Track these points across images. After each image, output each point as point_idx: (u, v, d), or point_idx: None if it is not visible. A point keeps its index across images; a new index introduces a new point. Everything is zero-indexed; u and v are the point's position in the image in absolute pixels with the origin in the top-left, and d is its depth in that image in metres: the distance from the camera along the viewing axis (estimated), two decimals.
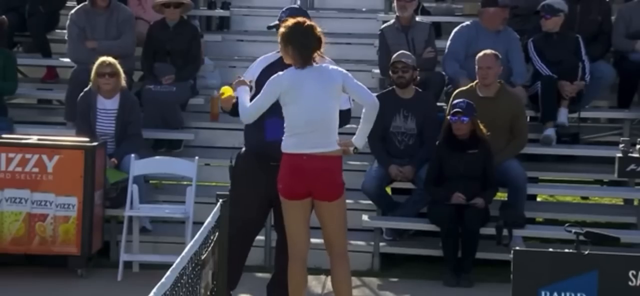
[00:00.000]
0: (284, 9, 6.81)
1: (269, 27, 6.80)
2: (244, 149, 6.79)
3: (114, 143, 8.41)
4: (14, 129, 8.83)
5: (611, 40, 9.40)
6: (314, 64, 6.07)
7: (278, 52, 6.65)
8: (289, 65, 6.37)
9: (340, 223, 6.16)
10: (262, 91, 6.15)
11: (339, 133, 6.21)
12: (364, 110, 6.09)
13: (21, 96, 9.89)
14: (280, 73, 6.15)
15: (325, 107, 6.02)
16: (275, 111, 6.21)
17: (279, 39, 6.15)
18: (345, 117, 6.45)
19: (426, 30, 9.31)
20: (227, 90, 6.47)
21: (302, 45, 6.02)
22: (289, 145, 6.08)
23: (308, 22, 6.10)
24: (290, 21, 6.13)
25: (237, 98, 6.36)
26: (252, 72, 6.69)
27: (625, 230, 8.29)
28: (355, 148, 6.12)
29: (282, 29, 6.14)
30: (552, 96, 8.91)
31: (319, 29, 6.10)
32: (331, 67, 6.21)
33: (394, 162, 8.38)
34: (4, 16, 9.19)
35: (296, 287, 6.17)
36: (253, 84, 6.62)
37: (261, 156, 6.55)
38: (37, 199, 7.63)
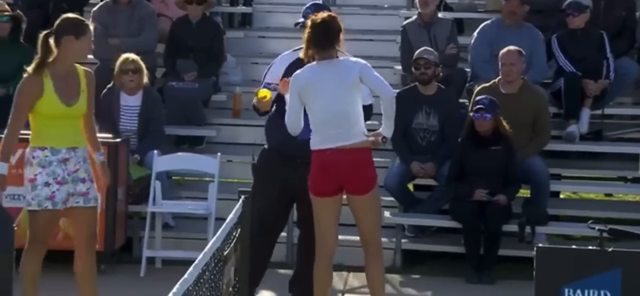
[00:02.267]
0: (308, 5, 6.81)
1: (296, 25, 6.80)
2: (265, 146, 6.80)
3: (136, 140, 8.45)
4: None
5: (635, 36, 9.34)
6: (334, 58, 6.07)
7: (296, 49, 6.66)
8: (310, 62, 6.37)
9: (374, 218, 6.13)
10: (289, 94, 6.14)
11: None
12: (382, 104, 6.08)
13: None
14: (298, 71, 6.16)
15: (343, 100, 6.01)
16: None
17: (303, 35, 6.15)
18: (367, 112, 6.45)
19: (448, 26, 9.30)
20: (263, 93, 6.46)
21: (320, 37, 6.02)
22: (315, 141, 6.08)
23: (322, 18, 6.08)
24: (313, 17, 6.13)
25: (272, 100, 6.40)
26: (275, 73, 6.70)
27: None
28: (384, 137, 6.09)
29: (307, 27, 6.13)
30: (575, 93, 8.87)
31: (333, 21, 6.08)
32: (351, 59, 6.20)
33: (415, 159, 8.37)
34: (19, 11, 9.24)
35: (321, 285, 6.16)
36: (278, 83, 6.63)
37: (282, 153, 6.56)
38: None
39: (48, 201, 5.91)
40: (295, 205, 6.82)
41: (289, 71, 6.63)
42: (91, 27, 6.07)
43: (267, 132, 6.78)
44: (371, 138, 6.09)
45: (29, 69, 5.95)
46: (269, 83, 6.71)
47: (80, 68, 6.10)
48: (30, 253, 5.99)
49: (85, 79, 6.05)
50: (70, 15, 6.20)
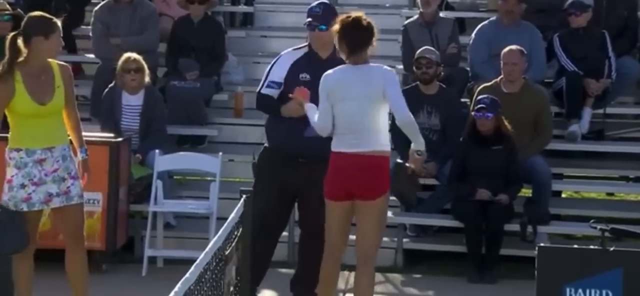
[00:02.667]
0: (315, 4, 6.78)
1: (306, 24, 6.77)
2: (266, 145, 6.80)
3: (138, 139, 8.46)
4: None
5: (637, 35, 9.34)
6: (366, 63, 5.97)
7: (298, 48, 6.65)
8: (314, 61, 6.37)
9: (373, 227, 5.99)
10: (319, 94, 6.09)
11: None
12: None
13: None
14: (329, 71, 6.10)
15: (365, 109, 5.92)
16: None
17: (334, 34, 6.04)
18: None
19: (450, 26, 9.30)
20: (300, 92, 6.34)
21: (350, 40, 5.93)
22: (334, 143, 6.03)
23: (360, 18, 5.98)
24: (345, 16, 6.03)
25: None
26: (278, 72, 6.68)
27: None
28: (419, 151, 6.00)
29: (336, 25, 6.03)
30: (577, 92, 8.87)
31: (370, 24, 5.97)
32: (384, 67, 6.11)
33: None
34: (20, 11, 9.25)
35: (326, 284, 6.13)
36: (282, 82, 6.62)
37: (283, 151, 6.56)
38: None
39: (24, 203, 5.87)
40: (296, 205, 6.82)
41: (293, 70, 6.63)
42: (59, 23, 5.98)
43: (268, 131, 6.78)
44: (412, 166, 6.05)
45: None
46: (274, 82, 6.70)
47: (55, 64, 5.99)
48: (16, 256, 5.96)
49: (60, 74, 5.94)
50: (37, 14, 6.06)
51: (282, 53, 6.82)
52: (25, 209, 5.89)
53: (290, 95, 6.40)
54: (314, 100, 6.32)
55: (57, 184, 5.91)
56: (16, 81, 5.84)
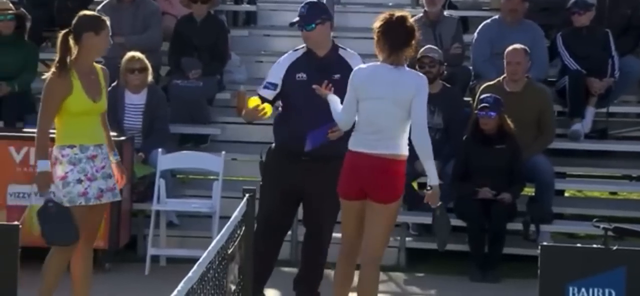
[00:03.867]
0: (303, 4, 6.79)
1: (291, 24, 6.79)
2: (273, 145, 6.81)
3: (141, 138, 8.47)
4: None
5: None
6: (401, 65, 5.85)
7: (297, 49, 6.65)
8: (312, 61, 6.37)
9: (382, 230, 5.92)
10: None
11: None
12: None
13: None
14: (361, 66, 6.04)
15: (390, 113, 5.81)
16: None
17: (374, 32, 5.93)
18: None
19: (454, 25, 9.30)
20: (253, 101, 6.44)
21: (390, 39, 5.81)
22: (352, 141, 5.95)
23: (405, 17, 5.87)
24: (388, 14, 5.92)
25: (261, 110, 6.34)
26: (276, 73, 6.70)
27: None
28: (430, 186, 5.90)
29: (378, 22, 5.92)
30: (580, 91, 8.87)
31: (412, 26, 5.86)
32: (419, 73, 6.01)
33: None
34: (23, 10, 9.27)
35: (341, 284, 6.06)
36: (280, 83, 6.64)
37: (288, 150, 6.56)
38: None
39: (81, 197, 5.96)
40: (301, 204, 6.82)
41: (290, 71, 6.63)
42: (108, 23, 6.09)
43: (275, 130, 6.79)
44: (431, 198, 5.91)
45: (53, 68, 5.97)
46: (271, 83, 6.71)
47: (98, 65, 6.17)
48: (60, 250, 5.99)
49: (103, 77, 6.12)
50: (87, 12, 6.26)
51: (283, 55, 6.84)
52: (82, 203, 5.97)
53: (316, 90, 6.27)
54: (314, 98, 6.31)
55: (105, 181, 6.05)
56: (73, 78, 5.94)
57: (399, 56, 5.85)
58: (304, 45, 6.75)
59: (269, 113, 6.58)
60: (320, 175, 6.44)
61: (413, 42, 5.89)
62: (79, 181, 5.95)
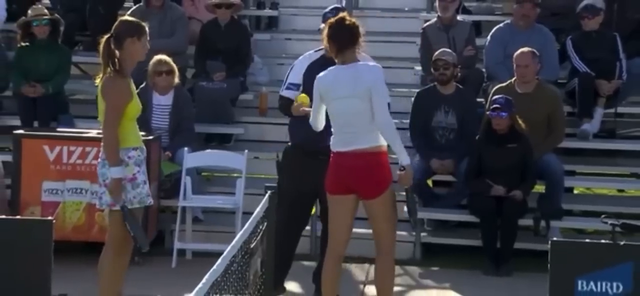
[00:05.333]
0: (328, 9, 6.81)
1: (319, 30, 6.79)
2: (289, 143, 6.82)
3: (168, 137, 8.50)
4: (74, 124, 8.95)
5: None
6: (354, 62, 5.94)
7: (317, 50, 6.67)
8: (330, 63, 6.38)
9: (383, 222, 5.94)
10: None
11: None
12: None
13: (81, 93, 10.03)
14: (321, 73, 6.09)
15: (355, 106, 5.86)
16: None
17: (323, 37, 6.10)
18: None
19: (467, 29, 9.28)
20: (302, 98, 6.41)
21: (336, 40, 5.93)
22: (332, 143, 6.03)
23: (343, 18, 5.99)
24: (332, 19, 6.07)
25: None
26: (297, 73, 6.71)
27: None
28: (401, 166, 5.87)
29: (324, 30, 6.07)
30: (589, 93, 8.84)
31: (354, 24, 5.95)
32: (370, 64, 6.07)
33: (435, 156, 8.36)
34: (57, 15, 9.32)
35: (327, 281, 6.05)
36: (301, 83, 6.65)
37: (304, 149, 6.58)
38: (97, 190, 7.71)
39: (148, 197, 5.98)
40: (318, 199, 6.83)
41: (310, 71, 6.64)
42: (147, 28, 6.08)
43: (290, 130, 6.81)
44: (403, 180, 5.88)
45: (109, 73, 5.85)
46: (293, 84, 6.72)
47: None
48: (123, 251, 5.97)
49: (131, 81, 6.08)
50: (127, 18, 6.24)
51: (304, 54, 6.84)
52: (150, 203, 6.00)
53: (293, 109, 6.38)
54: None
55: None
56: (130, 83, 5.94)
57: (347, 55, 5.92)
58: (322, 48, 6.75)
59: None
60: None
61: (358, 39, 5.93)
62: (145, 182, 5.93)
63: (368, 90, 5.86)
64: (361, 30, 6.00)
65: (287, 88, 6.73)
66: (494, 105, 7.95)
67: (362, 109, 5.87)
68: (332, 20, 6.03)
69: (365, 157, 5.87)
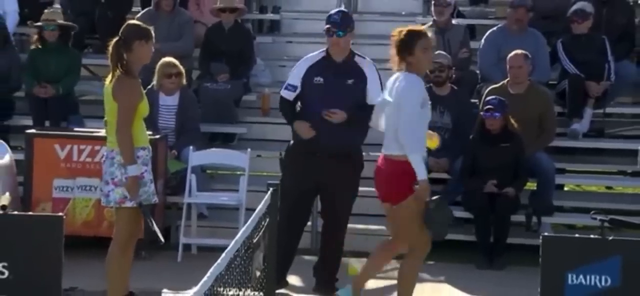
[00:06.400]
0: (334, 12, 6.80)
1: (326, 31, 6.78)
2: (291, 142, 6.82)
3: (174, 137, 8.50)
4: (84, 124, 8.96)
5: (635, 40, 9.30)
6: (402, 73, 5.86)
7: (321, 51, 6.67)
8: (331, 64, 6.40)
9: (402, 229, 5.91)
10: None
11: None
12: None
13: (91, 94, 10.03)
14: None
15: (391, 114, 5.85)
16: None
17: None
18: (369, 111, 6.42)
19: (461, 32, 9.30)
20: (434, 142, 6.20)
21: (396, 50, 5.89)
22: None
23: (405, 29, 5.95)
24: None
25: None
26: (296, 75, 6.72)
27: None
28: (420, 181, 5.75)
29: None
30: (579, 94, 8.84)
31: (412, 33, 5.87)
32: (411, 79, 5.87)
33: (431, 155, 8.35)
34: (70, 22, 9.34)
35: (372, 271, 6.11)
36: (299, 84, 6.65)
37: (306, 147, 6.58)
38: (103, 188, 7.71)
39: (154, 196, 5.97)
40: (319, 196, 6.83)
41: (309, 74, 6.66)
42: (153, 32, 6.07)
43: (292, 129, 6.80)
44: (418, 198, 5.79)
45: (120, 75, 5.81)
46: (291, 85, 6.73)
47: None
48: (129, 246, 5.97)
49: None
50: (134, 21, 6.20)
51: (305, 56, 6.85)
52: (156, 201, 5.99)
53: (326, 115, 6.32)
54: (329, 101, 6.32)
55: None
56: (139, 82, 5.92)
57: (400, 65, 5.89)
58: (322, 49, 6.76)
59: None
60: (335, 171, 6.46)
61: (414, 50, 5.85)
62: (151, 181, 5.92)
63: (397, 101, 5.86)
64: (415, 39, 5.85)
65: (286, 88, 6.74)
66: (488, 106, 7.95)
67: (395, 117, 5.84)
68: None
69: (389, 164, 5.85)
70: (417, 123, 5.78)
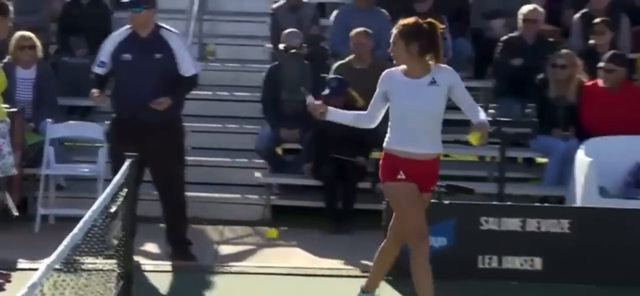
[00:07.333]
0: None
1: (122, 4, 6.71)
2: (114, 115, 6.83)
3: (31, 110, 8.29)
4: None
5: (469, 19, 9.69)
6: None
7: (127, 28, 6.61)
8: (137, 41, 6.34)
9: (395, 212, 5.62)
10: None
11: None
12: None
13: None
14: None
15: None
16: None
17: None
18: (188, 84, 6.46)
19: (312, 10, 9.45)
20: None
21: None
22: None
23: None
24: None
25: None
26: (105, 51, 6.72)
27: (478, 182, 8.62)
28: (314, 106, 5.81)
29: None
30: None
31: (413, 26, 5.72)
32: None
33: (284, 126, 8.49)
34: None
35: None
36: (108, 61, 6.63)
37: (126, 119, 6.57)
38: None
39: (12, 168, 5.88)
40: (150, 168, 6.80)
41: (117, 51, 6.65)
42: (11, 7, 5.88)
43: (112, 101, 6.84)
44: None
45: None
46: (102, 62, 6.74)
47: None
48: None
49: None
50: None
51: (113, 34, 6.83)
52: (15, 173, 5.93)
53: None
54: (139, 79, 6.36)
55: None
56: None
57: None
58: (128, 26, 6.73)
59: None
60: (156, 138, 6.49)
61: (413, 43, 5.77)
62: (9, 153, 5.78)
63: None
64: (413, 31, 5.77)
65: (98, 65, 6.75)
66: (327, 91, 8.05)
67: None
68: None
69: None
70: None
